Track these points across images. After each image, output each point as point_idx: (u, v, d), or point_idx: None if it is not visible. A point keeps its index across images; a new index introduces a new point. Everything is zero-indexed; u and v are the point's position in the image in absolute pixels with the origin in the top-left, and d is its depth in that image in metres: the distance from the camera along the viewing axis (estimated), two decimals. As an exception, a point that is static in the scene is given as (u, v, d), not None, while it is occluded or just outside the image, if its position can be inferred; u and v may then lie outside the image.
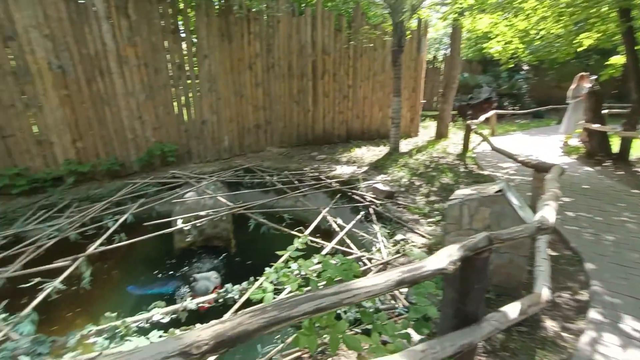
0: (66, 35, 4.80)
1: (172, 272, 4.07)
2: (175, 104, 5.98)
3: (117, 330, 2.10)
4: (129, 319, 2.15)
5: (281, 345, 1.95)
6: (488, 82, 14.07)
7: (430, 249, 3.26)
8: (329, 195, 5.19)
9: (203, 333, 0.79)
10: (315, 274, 1.79)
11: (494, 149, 5.26)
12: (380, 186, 4.75)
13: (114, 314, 2.17)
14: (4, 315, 2.23)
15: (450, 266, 1.14)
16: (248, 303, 2.42)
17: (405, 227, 3.85)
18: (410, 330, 1.81)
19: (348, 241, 3.60)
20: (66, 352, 1.93)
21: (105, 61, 5.14)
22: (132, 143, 5.61)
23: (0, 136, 4.61)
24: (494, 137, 9.19)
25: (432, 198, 4.70)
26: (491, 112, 9.75)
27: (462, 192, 2.54)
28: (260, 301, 1.67)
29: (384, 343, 1.77)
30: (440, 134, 8.91)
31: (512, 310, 1.48)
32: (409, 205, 4.42)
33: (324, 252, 3.27)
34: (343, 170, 5.98)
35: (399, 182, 5.32)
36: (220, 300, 2.49)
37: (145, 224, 3.77)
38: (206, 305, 2.56)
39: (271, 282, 1.66)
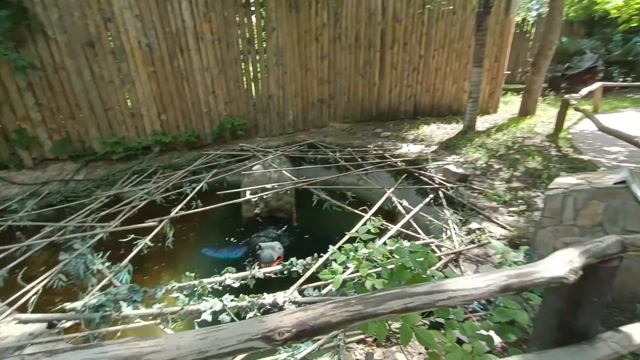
0: (152, 14, 5.16)
1: (239, 238, 4.35)
2: (244, 78, 6.15)
3: (194, 289, 2.29)
4: (205, 280, 2.33)
5: (345, 325, 1.92)
6: (593, 48, 11.62)
7: (512, 242, 2.89)
8: (393, 174, 4.95)
9: (285, 319, 0.74)
10: (385, 259, 1.67)
11: (602, 129, 4.35)
12: (453, 168, 4.34)
13: (192, 274, 2.38)
14: (107, 264, 2.61)
15: (571, 275, 0.92)
16: (311, 279, 2.44)
17: (481, 214, 3.47)
18: (491, 333, 1.62)
19: (415, 225, 3.39)
20: (154, 302, 2.18)
21: (185, 38, 5.45)
22: (207, 116, 5.99)
23: (104, 109, 5.30)
24: (597, 114, 7.69)
25: (515, 184, 4.14)
26: (596, 85, 8.10)
27: (566, 180, 2.13)
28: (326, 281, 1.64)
29: (459, 342, 1.62)
30: (526, 111, 7.74)
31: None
32: (485, 190, 3.97)
33: (388, 235, 3.13)
34: (409, 149, 5.61)
35: (474, 165, 4.80)
36: (285, 272, 2.55)
37: (218, 192, 4.04)
38: (271, 275, 2.65)
39: (340, 264, 1.60)
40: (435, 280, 0.89)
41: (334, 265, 1.60)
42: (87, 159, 5.26)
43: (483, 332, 1.63)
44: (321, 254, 2.66)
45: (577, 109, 5.95)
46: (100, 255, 2.73)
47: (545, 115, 7.65)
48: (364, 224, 1.82)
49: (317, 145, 5.84)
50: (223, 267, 3.78)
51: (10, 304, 2.20)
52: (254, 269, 2.50)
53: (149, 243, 2.96)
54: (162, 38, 5.32)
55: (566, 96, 6.29)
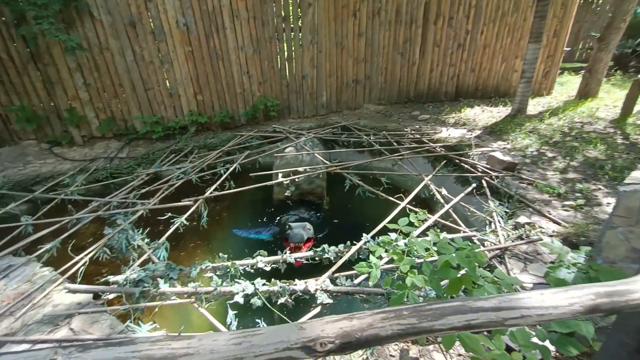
0: (189, -8, 5.14)
1: (270, 220, 4.37)
2: (278, 58, 6.03)
3: (227, 270, 2.31)
4: (237, 262, 2.34)
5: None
6: (675, 20, 10.01)
7: (567, 241, 2.60)
8: (430, 161, 4.68)
9: (328, 328, 0.65)
10: (427, 255, 1.54)
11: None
12: (500, 155, 3.98)
13: (225, 255, 2.39)
14: (146, 240, 2.71)
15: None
16: (343, 267, 2.37)
17: (530, 207, 3.16)
18: (546, 343, 1.45)
19: (454, 216, 3.17)
20: (189, 281, 2.23)
21: (220, 16, 5.38)
22: (240, 97, 5.98)
23: (144, 89, 5.46)
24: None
25: (572, 175, 3.73)
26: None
27: (647, 174, 1.82)
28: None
29: (508, 350, 1.47)
30: (587, 93, 6.90)
31: None
32: (536, 181, 3.61)
33: (425, 225, 2.95)
34: (450, 133, 5.25)
35: (523, 152, 4.38)
36: (317, 258, 2.50)
37: (251, 174, 4.05)
38: (302, 260, 2.62)
39: (378, 257, 1.50)
40: (503, 294, 0.75)
41: (371, 259, 1.50)
42: (129, 138, 5.51)
43: (537, 341, 1.47)
44: (354, 242, 2.56)
45: (652, 91, 5.18)
46: (140, 231, 2.84)
47: (609, 98, 6.79)
48: (406, 215, 1.68)
49: (350, 127, 5.65)
50: (253, 247, 3.83)
51: (62, 273, 2.36)
52: (285, 253, 2.47)
53: (185, 222, 3.04)
54: (198, 17, 5.30)
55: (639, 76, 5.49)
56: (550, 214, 3.02)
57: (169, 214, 3.04)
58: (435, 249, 1.52)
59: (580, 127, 5.07)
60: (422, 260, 1.81)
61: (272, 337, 0.63)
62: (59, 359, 0.58)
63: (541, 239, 2.60)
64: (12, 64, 4.79)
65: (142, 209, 3.20)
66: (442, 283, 1.53)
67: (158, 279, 2.15)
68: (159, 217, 3.04)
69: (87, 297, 2.07)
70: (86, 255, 2.54)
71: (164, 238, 2.74)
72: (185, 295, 2.07)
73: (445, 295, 1.44)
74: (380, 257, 2.42)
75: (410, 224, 1.58)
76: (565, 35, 7.03)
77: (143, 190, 3.77)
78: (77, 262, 2.45)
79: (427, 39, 6.62)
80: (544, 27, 5.23)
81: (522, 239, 2.69)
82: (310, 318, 1.91)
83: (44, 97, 5.07)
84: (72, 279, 2.37)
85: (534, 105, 6.41)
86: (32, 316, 1.92)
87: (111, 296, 2.11)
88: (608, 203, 3.18)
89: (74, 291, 2.10)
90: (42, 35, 4.51)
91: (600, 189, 3.46)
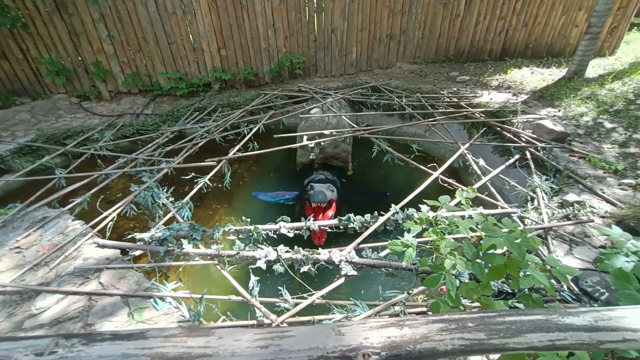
0: None
1: (293, 183, 4.27)
2: (307, 8, 5.54)
3: (250, 234, 2.27)
4: (260, 227, 2.29)
5: (405, 294, 1.74)
6: None
7: (623, 224, 2.32)
8: (467, 127, 4.29)
9: (373, 336, 0.53)
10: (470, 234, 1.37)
11: None
12: (549, 123, 3.56)
13: (248, 219, 2.34)
14: (171, 199, 2.71)
15: None
16: (369, 237, 2.26)
17: (581, 184, 2.84)
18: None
19: (491, 189, 2.92)
20: (212, 242, 2.21)
21: (244, -41, 4.92)
22: (265, 53, 5.66)
23: (167, 42, 5.26)
24: None
25: (633, 150, 3.29)
26: None
27: None
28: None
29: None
30: (659, 54, 5.97)
31: None
32: (590, 154, 3.22)
33: (458, 199, 2.73)
34: (492, 97, 4.76)
35: (577, 121, 3.90)
36: (341, 227, 2.40)
37: (275, 135, 3.91)
38: (323, 238, 2.53)
39: (415, 236, 1.35)
40: (598, 308, 0.58)
41: (407, 236, 1.36)
42: (154, 94, 5.44)
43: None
44: (381, 212, 2.42)
45: None
46: (165, 190, 2.84)
47: (686, 61, 5.83)
48: (439, 186, 1.49)
49: (380, 88, 5.25)
50: (275, 210, 3.80)
51: (92, 227, 2.43)
52: (308, 220, 2.38)
53: (208, 182, 3.00)
54: (221, -40, 4.87)
55: None
56: (603, 193, 2.70)
57: (193, 173, 3.01)
58: (480, 228, 1.35)
59: (649, 94, 4.41)
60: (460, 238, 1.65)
61: (305, 341, 0.52)
62: (59, 351, 0.50)
63: (592, 221, 2.33)
64: (38, 14, 4.70)
65: (167, 167, 3.18)
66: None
67: (182, 239, 2.14)
68: (183, 177, 3.01)
69: (115, 252, 2.12)
70: (114, 211, 2.58)
71: (187, 198, 2.72)
72: (209, 257, 2.06)
73: (487, 282, 1.29)
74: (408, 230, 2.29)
75: (458, 204, 1.39)
76: (644, -18, 5.94)
77: (168, 148, 3.75)
78: (106, 217, 2.50)
79: (475, -14, 5.81)
80: (624, -31, 4.37)
81: (569, 218, 2.44)
82: (333, 290, 1.85)
83: (71, 50, 5.02)
84: (102, 232, 2.44)
85: (594, 67, 5.63)
86: (64, 267, 1.99)
87: (137, 253, 2.14)
88: (674, 183, 2.80)
89: (103, 246, 2.15)
90: (62, -19, 4.33)
91: (666, 166, 3.03)
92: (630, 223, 2.28)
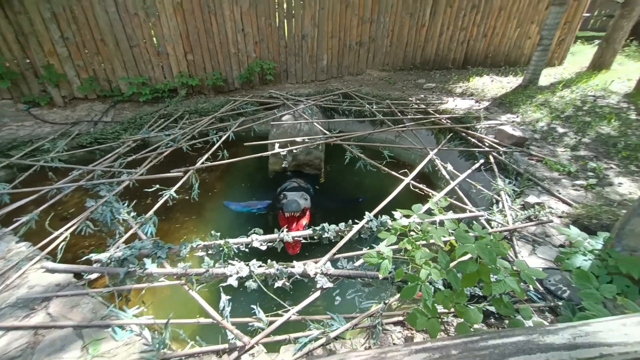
0: None
1: (264, 192, 4.18)
2: (277, 14, 5.49)
3: (220, 249, 2.16)
4: (231, 241, 2.19)
5: (382, 305, 1.72)
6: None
7: (578, 223, 2.48)
8: (434, 133, 4.43)
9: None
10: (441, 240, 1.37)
11: None
12: (509, 129, 3.76)
13: (219, 233, 2.23)
14: (133, 214, 2.52)
15: None
16: (343, 247, 2.23)
17: (540, 186, 3.01)
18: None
19: (460, 193, 3.02)
20: (179, 260, 2.08)
21: (210, -38, 4.79)
22: (235, 58, 5.53)
23: (129, 45, 4.98)
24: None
25: (583, 153, 3.56)
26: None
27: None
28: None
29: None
30: (600, 64, 6.55)
31: None
32: (546, 157, 3.43)
33: (428, 205, 2.78)
34: (457, 104, 4.97)
35: (533, 126, 4.16)
36: (315, 237, 2.35)
37: (246, 144, 3.80)
38: (297, 248, 2.47)
39: (389, 245, 1.34)
40: (575, 323, 0.58)
41: (381, 247, 1.34)
42: (114, 100, 5.12)
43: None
44: (356, 221, 2.41)
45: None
46: (126, 204, 2.65)
47: (623, 71, 6.47)
48: (409, 191, 1.49)
49: (352, 95, 5.31)
50: (246, 220, 3.67)
51: (41, 249, 2.19)
52: (282, 231, 2.31)
53: (174, 194, 2.84)
54: (185, -38, 4.71)
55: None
56: (559, 194, 2.88)
57: (157, 185, 2.83)
58: (452, 237, 1.36)
59: (593, 100, 4.81)
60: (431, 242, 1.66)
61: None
62: None
63: (551, 221, 2.47)
64: (-24, 11, 4.27)
65: (128, 179, 2.98)
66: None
67: (145, 258, 1.99)
68: (146, 190, 2.82)
69: (67, 277, 1.92)
70: (67, 229, 2.35)
71: (151, 212, 2.55)
72: (175, 277, 1.92)
73: (460, 289, 1.30)
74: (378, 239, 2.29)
75: (429, 211, 1.40)
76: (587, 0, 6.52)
77: (129, 159, 3.51)
78: (57, 237, 2.28)
79: (439, -1, 6.08)
80: (570, -13, 4.76)
81: (531, 220, 2.56)
82: (309, 304, 1.79)
83: (17, 51, 4.59)
84: (52, 254, 2.21)
85: (545, 76, 6.08)
86: (4, 299, 1.77)
87: (93, 276, 1.96)
88: (620, 183, 3.05)
89: (53, 271, 1.94)
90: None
91: (612, 167, 3.30)
92: (584, 222, 2.44)
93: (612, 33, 6.24)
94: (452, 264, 1.30)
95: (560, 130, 4.05)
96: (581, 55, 8.23)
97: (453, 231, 1.43)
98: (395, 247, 1.81)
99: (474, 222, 1.39)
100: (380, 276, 1.32)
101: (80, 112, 4.80)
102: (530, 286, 1.96)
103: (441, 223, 1.71)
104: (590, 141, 3.77)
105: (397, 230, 1.39)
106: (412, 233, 1.37)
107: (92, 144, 3.99)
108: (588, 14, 9.22)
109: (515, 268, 1.41)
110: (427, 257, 1.28)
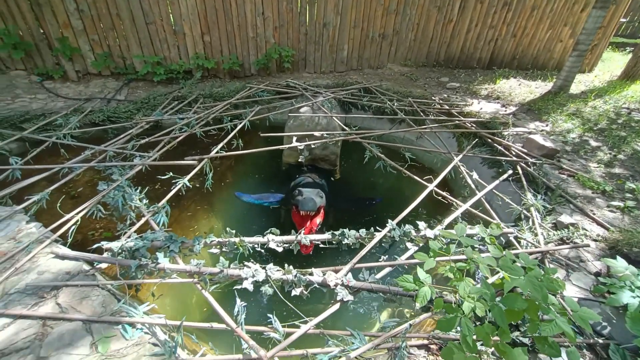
0: None
1: (278, 184, 4.05)
2: (299, 0, 5.27)
3: (235, 247, 2.05)
4: (246, 239, 2.08)
5: (407, 325, 1.61)
6: None
7: (614, 249, 2.32)
8: (456, 137, 4.23)
9: None
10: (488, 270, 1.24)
11: None
12: (540, 139, 3.56)
13: (234, 231, 2.12)
14: (145, 202, 2.42)
15: None
16: (364, 258, 2.10)
17: (572, 204, 2.84)
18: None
19: (487, 206, 2.86)
20: (192, 256, 1.98)
21: (235, -61, 4.55)
22: (253, 42, 5.33)
23: (145, 22, 4.81)
24: None
25: (618, 170, 3.36)
26: None
27: None
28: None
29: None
30: (634, 73, 6.22)
31: None
32: (578, 172, 3.25)
33: (453, 215, 2.64)
34: (482, 107, 4.75)
35: (564, 137, 3.95)
36: (334, 242, 2.23)
37: (262, 134, 3.66)
38: (310, 249, 2.35)
39: (428, 271, 1.21)
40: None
41: (420, 273, 1.21)
42: (128, 78, 4.99)
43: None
44: (378, 229, 2.28)
45: None
46: (138, 189, 2.54)
47: (659, 82, 6.14)
48: (433, 199, 1.35)
49: (372, 90, 5.11)
50: (258, 212, 3.56)
51: (52, 231, 2.10)
52: (299, 233, 2.19)
53: (187, 183, 2.72)
54: (209, -63, 4.48)
55: None
56: (594, 214, 2.71)
57: (171, 174, 2.72)
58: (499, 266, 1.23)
59: (628, 113, 4.56)
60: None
61: None
62: None
63: (588, 245, 2.32)
64: (-9, -24, 4.12)
65: (141, 163, 2.87)
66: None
67: (157, 252, 1.89)
68: (160, 177, 2.71)
69: (78, 264, 1.83)
70: (78, 213, 2.26)
71: (164, 201, 2.44)
72: (188, 274, 1.83)
73: (506, 327, 1.17)
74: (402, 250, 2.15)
75: (483, 240, 1.26)
76: (626, 3, 6.15)
77: (142, 141, 3.39)
78: (68, 221, 2.18)
79: (471, -7, 5.77)
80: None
81: (564, 241, 2.41)
82: (329, 316, 1.69)
83: (32, 22, 4.46)
84: (62, 237, 2.12)
85: (576, 84, 5.79)
86: (14, 283, 1.68)
87: (104, 265, 1.87)
88: (660, 208, 2.86)
89: (63, 257, 1.85)
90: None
91: (649, 189, 3.11)
92: (623, 249, 2.28)
93: (651, 42, 5.89)
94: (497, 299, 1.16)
95: (593, 143, 3.84)
96: (611, 62, 7.87)
97: (497, 257, 1.30)
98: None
99: (525, 254, 1.25)
100: (418, 305, 1.20)
101: (94, 89, 4.68)
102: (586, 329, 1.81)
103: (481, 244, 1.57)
104: (626, 158, 3.56)
105: (436, 254, 1.26)
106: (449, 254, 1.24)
107: (105, 122, 3.88)
108: (625, 19, 8.77)
109: (564, 305, 1.27)
110: (476, 292, 1.14)
